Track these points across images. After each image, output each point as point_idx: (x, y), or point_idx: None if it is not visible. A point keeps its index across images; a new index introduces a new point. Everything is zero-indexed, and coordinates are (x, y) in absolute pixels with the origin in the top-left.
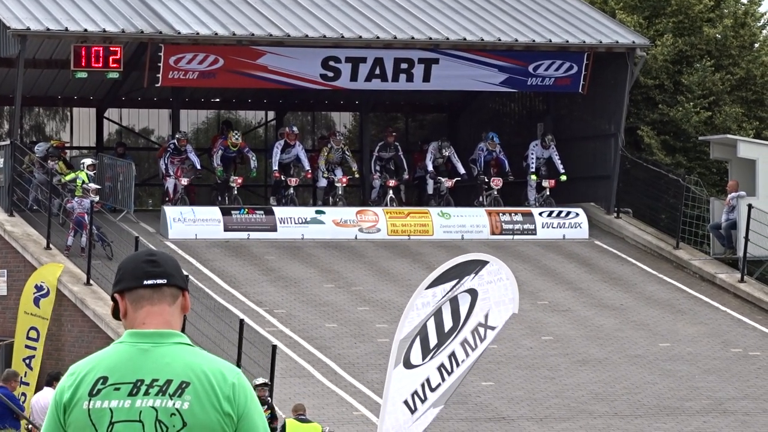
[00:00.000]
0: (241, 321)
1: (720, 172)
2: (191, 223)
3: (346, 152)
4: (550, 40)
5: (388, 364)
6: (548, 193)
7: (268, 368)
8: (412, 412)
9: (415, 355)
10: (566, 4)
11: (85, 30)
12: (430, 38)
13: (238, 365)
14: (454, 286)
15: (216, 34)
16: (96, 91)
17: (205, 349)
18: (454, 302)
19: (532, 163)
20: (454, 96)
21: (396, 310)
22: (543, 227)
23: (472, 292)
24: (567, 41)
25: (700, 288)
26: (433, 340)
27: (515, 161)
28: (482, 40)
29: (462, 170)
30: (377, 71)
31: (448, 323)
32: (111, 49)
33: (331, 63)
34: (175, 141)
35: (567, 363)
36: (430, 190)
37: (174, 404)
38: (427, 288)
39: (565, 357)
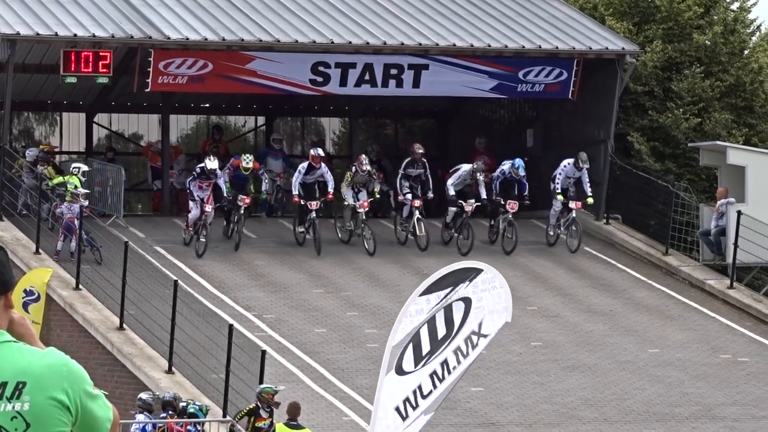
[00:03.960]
0: (231, 326)
1: (709, 179)
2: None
3: (374, 174)
4: (540, 47)
5: (380, 370)
6: (573, 215)
7: (257, 373)
8: (404, 418)
9: (408, 362)
10: (556, 11)
11: (75, 35)
12: (420, 44)
13: (228, 370)
14: (449, 293)
15: (206, 39)
16: (86, 96)
17: (194, 354)
18: (448, 310)
19: (559, 183)
20: (444, 102)
21: (385, 316)
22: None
23: (466, 300)
24: (557, 47)
25: (690, 294)
26: (426, 348)
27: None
28: (472, 46)
29: (485, 195)
30: (367, 77)
31: (441, 331)
32: (101, 54)
33: (321, 68)
34: (204, 165)
35: (556, 369)
36: (449, 218)
37: (14, 407)
38: (421, 295)
39: (554, 363)
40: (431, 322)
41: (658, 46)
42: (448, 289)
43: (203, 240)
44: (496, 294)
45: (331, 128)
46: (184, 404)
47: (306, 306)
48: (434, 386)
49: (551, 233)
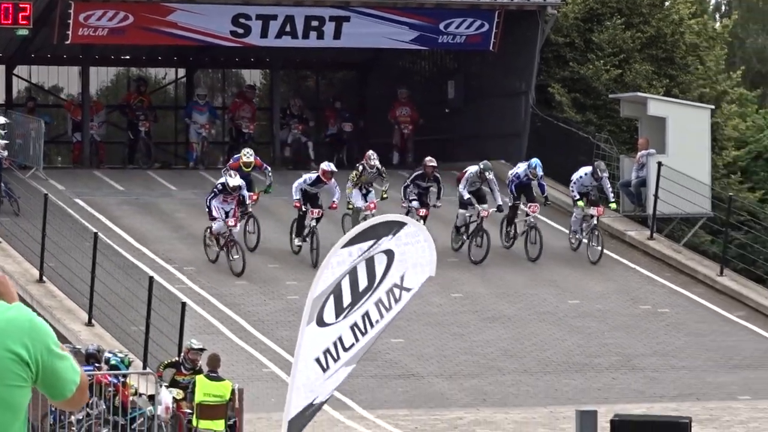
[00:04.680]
0: (151, 278)
1: (630, 130)
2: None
3: (383, 172)
4: None
5: (301, 322)
6: (595, 222)
7: (177, 325)
8: (324, 370)
9: (329, 314)
10: None
11: None
12: None
13: (148, 323)
14: (371, 246)
15: None
16: (5, 48)
17: (114, 307)
18: (370, 262)
19: (575, 190)
20: (365, 54)
21: (306, 268)
22: None
23: (389, 253)
24: None
25: (610, 245)
26: (347, 299)
27: (430, 120)
28: None
29: (500, 200)
30: (288, 28)
31: (363, 283)
32: (20, 5)
33: (242, 20)
34: (226, 182)
35: (476, 320)
36: (460, 222)
37: None
38: (343, 247)
39: (474, 314)
40: (353, 274)
41: None
42: (371, 242)
43: (237, 257)
44: (420, 248)
45: (252, 80)
46: (108, 356)
47: (226, 258)
48: (356, 339)
49: (573, 240)
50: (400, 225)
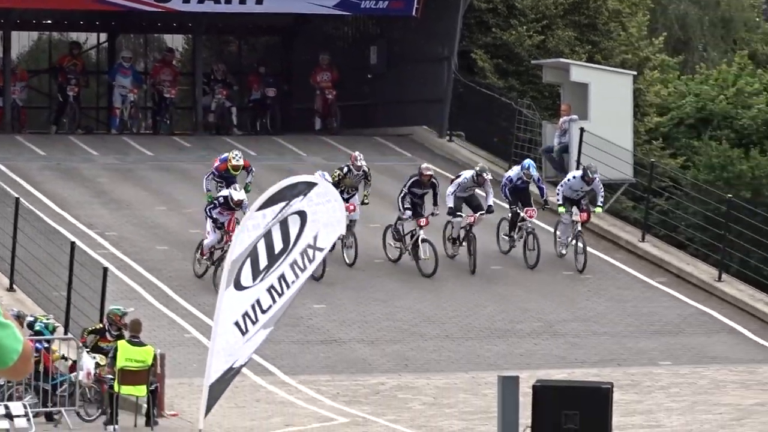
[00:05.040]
0: (72, 243)
1: (552, 96)
2: None
3: (369, 175)
4: None
5: (220, 285)
6: (579, 229)
7: (99, 291)
8: (243, 333)
9: (246, 277)
10: None
11: None
12: None
13: (69, 288)
14: (284, 207)
15: None
16: None
17: (36, 272)
18: (284, 224)
19: (559, 195)
20: (288, 19)
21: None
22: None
23: (302, 214)
24: None
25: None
26: (263, 262)
27: (353, 86)
28: None
29: (491, 201)
30: None
31: (278, 245)
32: None
33: None
34: (230, 195)
35: (398, 286)
36: (455, 232)
37: None
38: (258, 210)
39: (397, 280)
40: (268, 237)
41: None
42: (284, 204)
43: None
44: (331, 207)
45: (174, 45)
46: (31, 320)
47: (149, 223)
48: (273, 300)
49: (563, 250)
50: (310, 185)
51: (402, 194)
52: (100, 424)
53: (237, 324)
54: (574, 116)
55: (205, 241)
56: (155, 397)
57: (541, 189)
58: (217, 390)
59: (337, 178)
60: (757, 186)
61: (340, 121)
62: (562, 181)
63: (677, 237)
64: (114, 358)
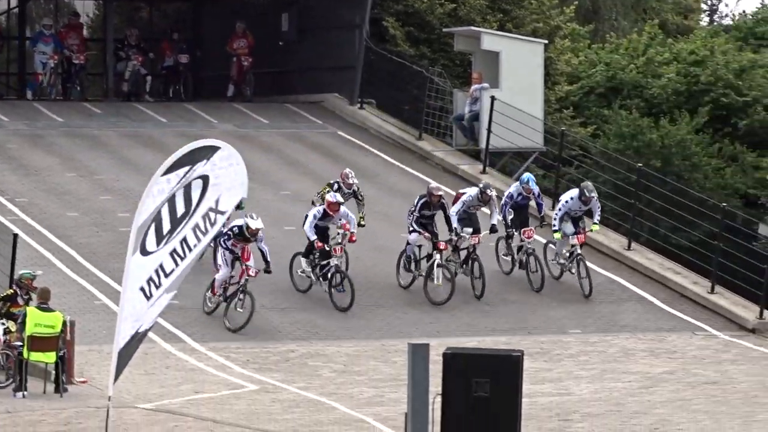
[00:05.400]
0: None
1: (464, 64)
2: None
3: (359, 194)
4: None
5: (127, 251)
6: (578, 251)
7: (9, 257)
8: (148, 298)
9: (151, 242)
10: None
11: None
12: None
13: None
14: (187, 172)
15: None
16: None
17: None
18: (187, 188)
19: (556, 222)
20: None
21: (138, 199)
22: None
23: (204, 178)
24: None
25: (443, 179)
26: (167, 227)
27: (267, 53)
28: None
29: (495, 219)
30: None
31: (180, 209)
32: None
33: None
34: (243, 225)
35: None
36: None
37: None
38: (163, 175)
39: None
40: (171, 201)
41: None
42: (187, 168)
43: (243, 309)
44: (233, 171)
45: (84, 11)
46: None
47: (59, 189)
48: (176, 264)
49: (555, 272)
50: (214, 149)
51: (412, 217)
52: (9, 390)
53: (142, 289)
54: (485, 84)
55: (217, 276)
56: (64, 364)
57: (539, 205)
58: (125, 356)
59: (325, 194)
60: (666, 155)
61: (254, 88)
62: (559, 205)
63: None
64: (23, 324)
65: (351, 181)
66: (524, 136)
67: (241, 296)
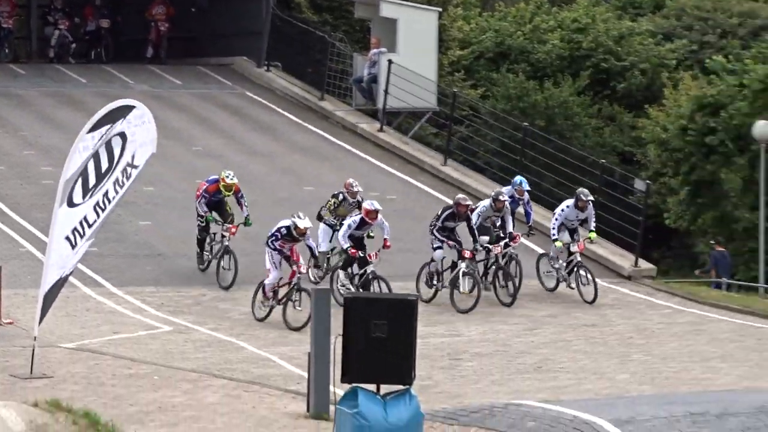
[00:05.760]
0: None
1: (363, 30)
2: None
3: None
4: None
5: (55, 204)
6: (578, 259)
7: None
8: (73, 246)
9: (77, 195)
10: None
11: None
12: None
13: None
14: (108, 129)
15: None
16: None
17: None
18: (108, 145)
19: (555, 230)
20: None
21: (59, 154)
22: None
23: (123, 136)
24: None
25: (343, 137)
26: (92, 181)
27: (181, 19)
28: None
29: (510, 228)
30: None
31: (104, 164)
32: None
33: None
34: (291, 225)
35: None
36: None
37: None
38: (89, 132)
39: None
40: (96, 157)
41: None
42: (108, 126)
43: (302, 308)
44: (146, 128)
45: None
46: None
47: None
48: (97, 216)
49: (549, 284)
50: (130, 108)
51: (435, 227)
52: None
53: (68, 238)
54: (383, 49)
55: (267, 281)
56: None
57: (528, 215)
58: (49, 299)
59: (332, 207)
60: (550, 115)
61: (167, 52)
62: (556, 215)
63: (477, 162)
64: None
65: (356, 190)
66: (419, 97)
67: (296, 296)
